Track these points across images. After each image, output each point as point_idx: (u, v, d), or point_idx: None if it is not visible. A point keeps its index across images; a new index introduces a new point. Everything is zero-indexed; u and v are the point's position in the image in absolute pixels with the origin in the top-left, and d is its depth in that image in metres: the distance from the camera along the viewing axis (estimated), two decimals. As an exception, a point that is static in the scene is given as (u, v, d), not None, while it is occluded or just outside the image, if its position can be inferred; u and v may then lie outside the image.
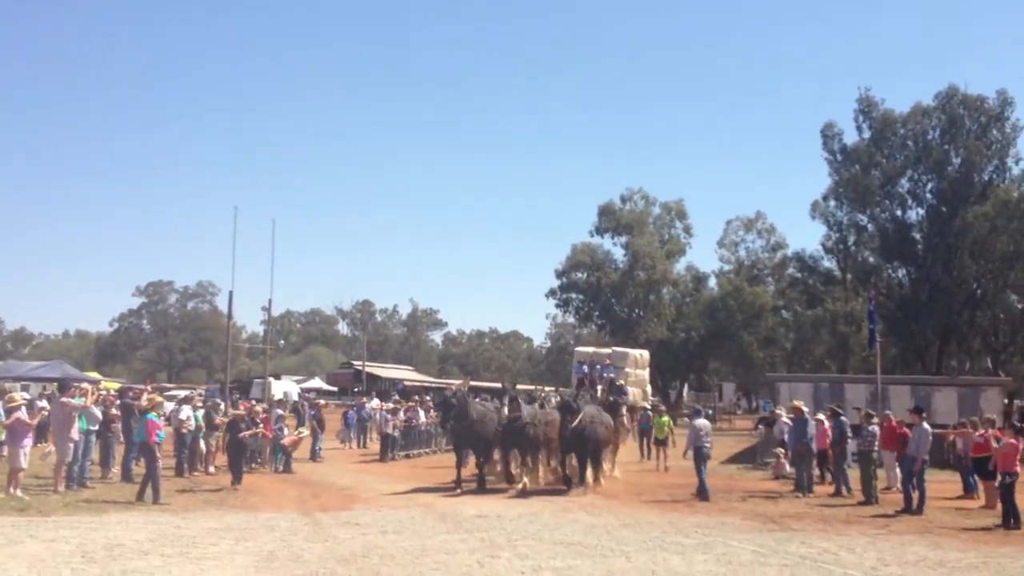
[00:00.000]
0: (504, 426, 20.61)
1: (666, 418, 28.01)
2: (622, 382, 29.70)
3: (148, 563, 10.73)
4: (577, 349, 36.45)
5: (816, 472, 21.97)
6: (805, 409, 21.56)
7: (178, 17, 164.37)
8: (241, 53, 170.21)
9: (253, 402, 30.11)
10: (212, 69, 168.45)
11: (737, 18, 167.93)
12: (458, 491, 19.41)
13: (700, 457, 19.71)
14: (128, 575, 10.03)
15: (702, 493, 19.14)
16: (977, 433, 19.14)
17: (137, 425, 19.34)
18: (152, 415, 18.03)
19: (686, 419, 58.00)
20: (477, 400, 22.71)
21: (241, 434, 20.35)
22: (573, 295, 74.11)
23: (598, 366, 30.12)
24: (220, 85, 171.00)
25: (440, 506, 17.14)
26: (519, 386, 25.81)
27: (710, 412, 59.99)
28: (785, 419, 26.73)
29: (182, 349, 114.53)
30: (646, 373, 34.42)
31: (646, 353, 36.02)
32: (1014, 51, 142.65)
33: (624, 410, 25.41)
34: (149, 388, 27.07)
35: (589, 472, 20.46)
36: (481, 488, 20.01)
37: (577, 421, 19.90)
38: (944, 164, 54.90)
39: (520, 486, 19.83)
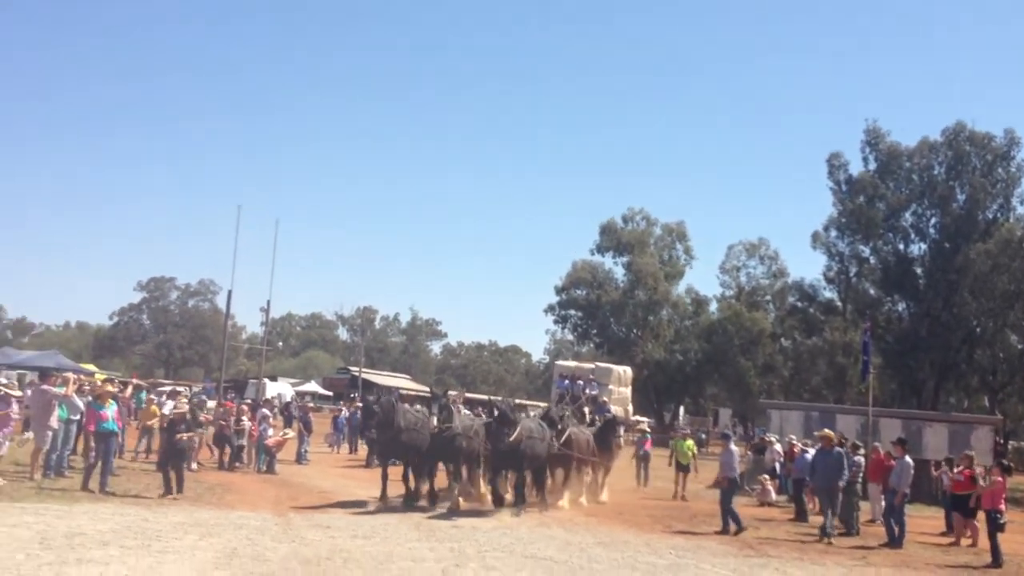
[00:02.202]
0: (433, 436, 18.47)
1: (690, 442, 25.69)
2: (605, 399, 28.72)
3: (105, 553, 10.60)
4: (558, 363, 35.66)
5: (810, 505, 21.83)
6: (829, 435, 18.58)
7: (188, 14, 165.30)
8: (251, 52, 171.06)
9: (249, 402, 29.96)
10: (221, 67, 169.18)
11: (746, 44, 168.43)
12: (372, 508, 17.40)
13: (736, 487, 18.44)
14: (83, 564, 9.89)
15: (738, 524, 17.39)
16: (956, 470, 18.99)
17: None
18: (96, 404, 17.98)
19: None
20: (417, 407, 20.74)
21: (179, 435, 17.76)
22: (572, 312, 74.25)
23: (580, 381, 29.23)
24: (228, 83, 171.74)
25: (417, 514, 16.93)
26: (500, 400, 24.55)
27: (703, 436, 59.92)
28: (777, 447, 26.67)
29: (181, 346, 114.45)
30: (628, 391, 33.40)
31: (629, 370, 35.21)
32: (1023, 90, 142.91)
33: (621, 431, 23.78)
34: (135, 381, 27.04)
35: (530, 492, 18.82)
36: (408, 505, 17.91)
37: (515, 435, 17.59)
38: (948, 200, 54.87)
39: (450, 504, 17.80)
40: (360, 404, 35.79)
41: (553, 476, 20.26)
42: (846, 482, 17.97)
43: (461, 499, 18.30)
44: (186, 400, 23.92)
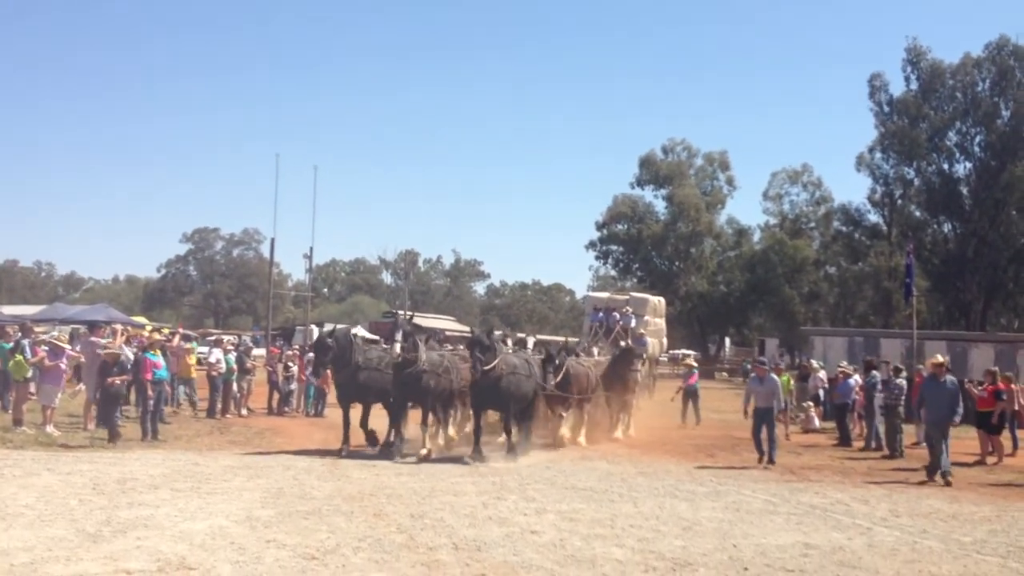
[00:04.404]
0: (395, 372, 16.27)
1: (785, 377, 23.16)
2: (642, 331, 27.16)
3: (156, 496, 10.94)
4: (590, 295, 34.22)
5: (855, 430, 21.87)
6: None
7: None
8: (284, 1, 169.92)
9: (296, 348, 30.30)
10: (255, 17, 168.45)
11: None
12: (342, 453, 16.07)
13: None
14: (134, 507, 10.21)
15: (760, 453, 16.84)
16: (980, 388, 18.90)
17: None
18: (149, 354, 18.29)
19: (725, 375, 58.23)
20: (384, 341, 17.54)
21: (110, 380, 16.53)
22: (613, 247, 74.04)
23: (614, 313, 27.58)
24: (262, 32, 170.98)
25: (462, 450, 17.01)
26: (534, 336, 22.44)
27: (747, 367, 59.79)
28: (821, 374, 26.61)
29: (228, 296, 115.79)
30: (663, 322, 31.89)
31: (663, 300, 33.54)
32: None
33: (639, 363, 21.52)
34: (181, 331, 27.47)
35: (514, 432, 16.90)
36: (387, 453, 16.24)
37: (491, 366, 15.76)
38: (993, 117, 53.96)
39: (424, 451, 15.91)
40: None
41: (553, 413, 19.08)
42: (961, 417, 15.74)
43: (431, 445, 16.40)
44: (231, 347, 24.22)
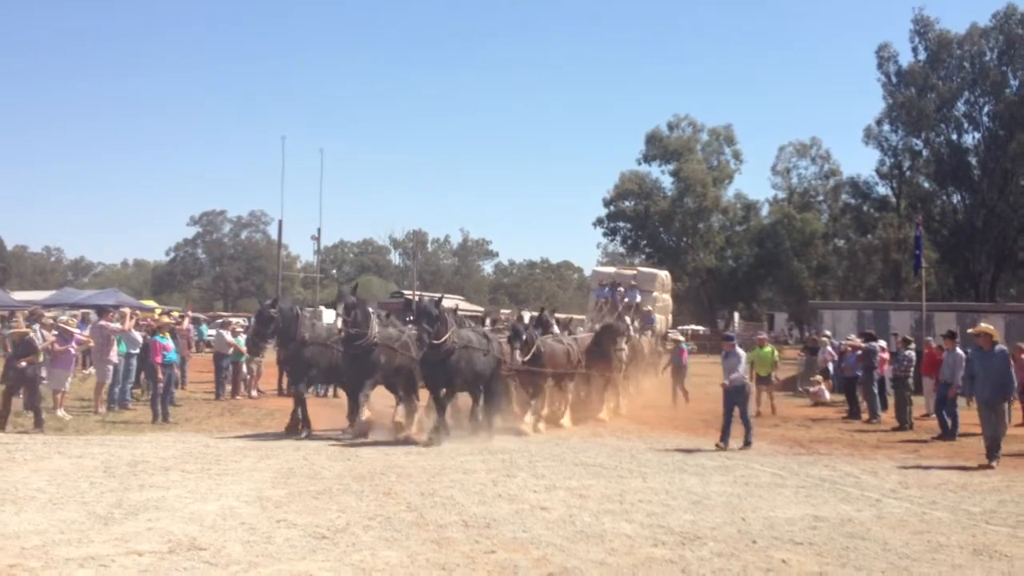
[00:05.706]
0: (344, 347, 15.45)
1: (769, 348, 22.03)
2: (649, 308, 26.33)
3: (167, 478, 10.99)
4: (596, 269, 33.01)
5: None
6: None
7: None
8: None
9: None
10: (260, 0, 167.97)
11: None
12: (303, 435, 15.35)
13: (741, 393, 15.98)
14: (145, 488, 10.26)
15: (725, 438, 15.44)
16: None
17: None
18: (159, 336, 18.32)
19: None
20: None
21: (19, 362, 15.17)
22: (621, 224, 73.95)
23: (621, 288, 26.61)
24: (267, 16, 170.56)
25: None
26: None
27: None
28: (830, 347, 26.54)
29: (237, 278, 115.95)
30: (670, 298, 30.79)
31: (669, 275, 32.19)
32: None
33: (623, 340, 19.66)
34: (190, 312, 27.53)
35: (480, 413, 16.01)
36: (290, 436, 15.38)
37: (441, 340, 14.62)
38: (1002, 86, 53.57)
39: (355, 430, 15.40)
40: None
41: (526, 393, 17.66)
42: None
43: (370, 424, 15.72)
44: (240, 329, 24.24)
